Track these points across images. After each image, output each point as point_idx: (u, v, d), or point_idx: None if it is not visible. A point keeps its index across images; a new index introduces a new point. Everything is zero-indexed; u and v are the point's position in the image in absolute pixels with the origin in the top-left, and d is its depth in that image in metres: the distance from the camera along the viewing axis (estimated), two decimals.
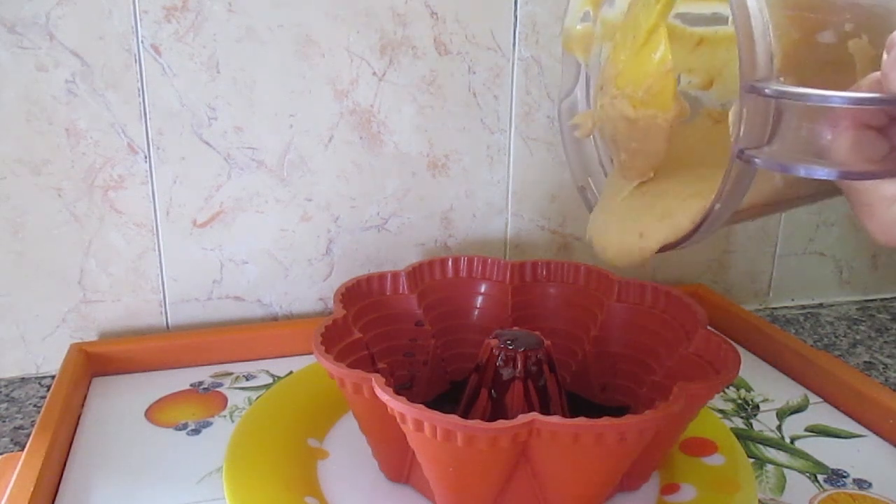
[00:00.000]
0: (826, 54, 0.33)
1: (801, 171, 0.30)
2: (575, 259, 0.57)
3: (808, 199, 0.39)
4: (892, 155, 0.30)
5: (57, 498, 0.43)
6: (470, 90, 0.62)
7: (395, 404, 0.36)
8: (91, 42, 0.53)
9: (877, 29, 0.31)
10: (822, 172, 0.29)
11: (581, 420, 0.40)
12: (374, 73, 0.59)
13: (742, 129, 0.30)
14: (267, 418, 0.48)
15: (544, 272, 0.54)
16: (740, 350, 0.49)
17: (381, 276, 0.51)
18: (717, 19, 0.42)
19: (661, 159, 0.39)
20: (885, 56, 0.29)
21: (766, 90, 0.29)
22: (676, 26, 0.42)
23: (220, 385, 0.55)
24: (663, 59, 0.37)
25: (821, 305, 0.77)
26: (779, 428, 0.52)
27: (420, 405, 0.36)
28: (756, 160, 0.30)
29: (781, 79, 0.30)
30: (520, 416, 0.35)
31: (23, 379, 0.58)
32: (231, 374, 0.57)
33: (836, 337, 0.69)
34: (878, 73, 0.29)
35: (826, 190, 0.35)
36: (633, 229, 0.38)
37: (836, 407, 0.54)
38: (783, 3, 0.31)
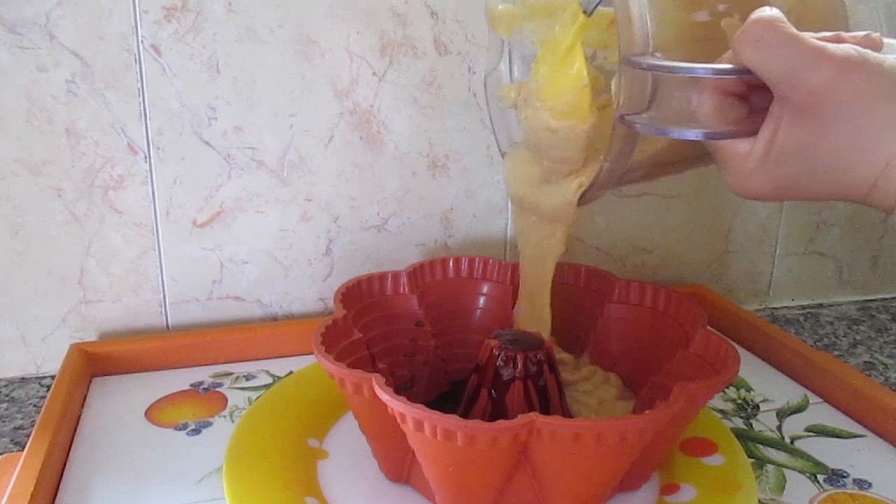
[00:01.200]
0: (701, 31, 0.37)
1: (674, 134, 0.35)
2: (575, 259, 0.57)
3: (686, 163, 0.44)
4: (749, 118, 0.34)
5: (57, 498, 0.43)
6: (470, 90, 0.62)
7: (395, 404, 0.36)
8: (91, 42, 0.53)
9: (748, 8, 0.35)
10: (690, 134, 0.34)
11: (581, 420, 0.40)
12: (374, 73, 0.59)
13: (622, 98, 0.35)
14: (267, 418, 0.48)
15: None
16: (740, 350, 0.49)
17: (382, 276, 0.51)
18: None
19: (581, 163, 0.43)
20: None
21: (642, 64, 0.34)
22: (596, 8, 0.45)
23: (220, 385, 0.55)
24: (579, 75, 0.41)
25: (821, 305, 0.77)
26: (779, 428, 0.52)
27: (420, 405, 0.36)
28: (635, 124, 0.35)
29: (658, 54, 0.35)
30: (520, 416, 0.35)
31: (23, 379, 0.58)
32: (231, 374, 0.57)
33: (836, 337, 0.69)
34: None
35: (701, 154, 0.40)
36: (556, 191, 0.44)
37: (836, 407, 0.54)
38: None
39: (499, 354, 0.43)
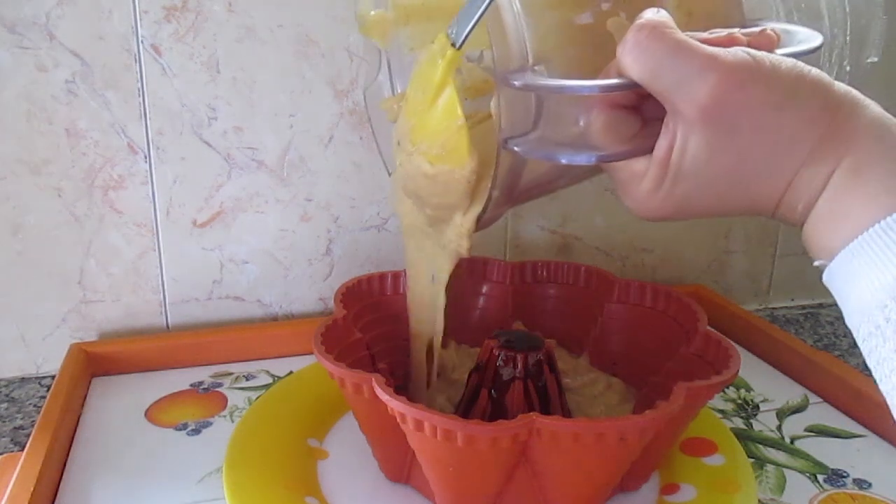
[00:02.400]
0: (585, 35, 0.34)
1: (563, 159, 0.31)
2: (575, 259, 0.57)
3: (582, 176, 0.41)
4: (641, 133, 0.32)
5: (57, 498, 0.43)
6: None
7: (395, 404, 0.36)
8: (91, 42, 0.53)
9: (635, 5, 0.32)
10: (581, 158, 0.31)
11: (581, 420, 0.40)
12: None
13: (503, 121, 0.32)
14: (267, 418, 0.48)
15: (544, 273, 0.54)
16: (740, 350, 0.49)
17: (382, 276, 0.51)
18: None
19: (467, 206, 0.39)
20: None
21: (516, 83, 0.31)
22: None
23: (220, 385, 0.55)
24: (452, 115, 0.36)
25: (821, 305, 0.77)
26: (779, 428, 0.52)
27: (420, 405, 0.36)
28: (518, 149, 0.32)
29: (538, 67, 0.31)
30: (520, 417, 0.35)
31: (23, 379, 0.58)
32: (231, 374, 0.57)
33: (836, 337, 0.69)
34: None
35: (592, 169, 0.37)
36: (456, 221, 0.40)
37: (836, 407, 0.54)
38: None
39: (499, 354, 0.42)
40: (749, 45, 0.30)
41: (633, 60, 0.29)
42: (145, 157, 0.56)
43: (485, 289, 0.54)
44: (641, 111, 0.32)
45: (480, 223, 0.38)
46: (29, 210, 0.55)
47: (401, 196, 0.42)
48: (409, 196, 0.41)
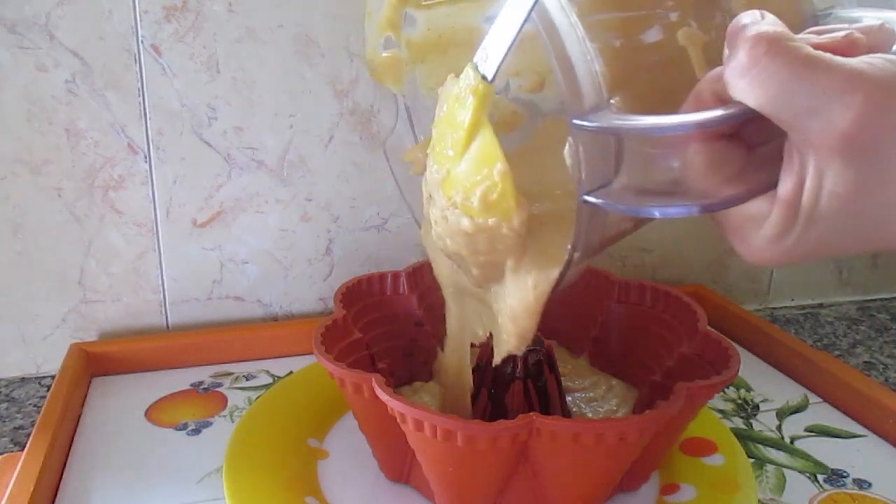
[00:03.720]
0: (657, 54, 0.29)
1: (656, 213, 0.26)
2: None
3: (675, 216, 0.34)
4: (749, 166, 0.26)
5: (57, 498, 0.43)
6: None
7: (395, 404, 0.36)
8: (91, 42, 0.53)
9: (704, 10, 0.28)
10: (678, 210, 0.26)
11: (581, 420, 0.40)
12: None
13: (583, 173, 0.26)
14: (267, 418, 0.48)
15: None
16: (740, 350, 0.49)
17: (382, 276, 0.51)
18: None
19: (521, 260, 0.33)
20: (725, 53, 0.25)
21: (597, 126, 0.25)
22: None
23: (220, 385, 0.55)
24: (492, 160, 0.31)
25: (821, 305, 0.77)
26: (779, 428, 0.52)
27: (420, 405, 0.36)
28: (604, 204, 0.26)
29: (613, 101, 0.26)
30: (520, 417, 0.35)
31: (23, 379, 0.58)
32: (231, 374, 0.57)
33: (836, 337, 0.69)
34: (714, 72, 0.26)
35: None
36: (525, 284, 0.34)
37: (836, 407, 0.54)
38: (596, 6, 0.28)
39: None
40: (869, 47, 0.25)
41: (749, 84, 0.24)
42: (145, 157, 0.56)
43: None
44: (744, 136, 0.26)
45: (558, 287, 0.33)
46: (29, 210, 0.55)
47: (438, 257, 0.38)
48: (450, 257, 0.36)
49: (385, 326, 0.49)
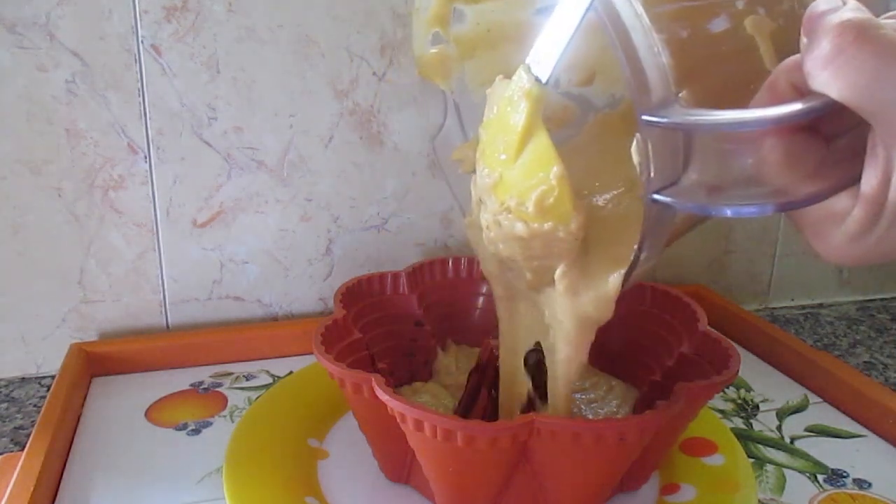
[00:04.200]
0: (724, 43, 0.28)
1: (728, 213, 0.25)
2: None
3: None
4: (832, 160, 0.25)
5: (57, 498, 0.43)
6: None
7: (395, 404, 0.36)
8: (91, 42, 0.53)
9: None
10: (753, 209, 0.25)
11: (581, 420, 0.40)
12: (374, 73, 0.59)
13: (652, 170, 0.25)
14: (267, 418, 0.48)
15: None
16: (740, 350, 0.49)
17: (382, 276, 0.51)
18: None
19: (576, 263, 0.33)
20: (803, 41, 0.24)
21: (668, 122, 0.24)
22: (541, 22, 0.33)
23: (220, 385, 0.55)
24: (547, 164, 0.30)
25: (821, 305, 0.77)
26: (779, 428, 0.52)
27: (420, 405, 0.36)
28: (673, 203, 0.25)
29: (682, 94, 0.25)
30: (520, 417, 0.35)
31: (23, 379, 0.58)
32: (231, 374, 0.57)
33: (836, 337, 0.69)
34: (791, 61, 0.25)
35: None
36: (590, 284, 0.34)
37: (836, 407, 0.54)
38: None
39: (499, 354, 0.42)
40: None
41: (833, 75, 0.23)
42: (145, 157, 0.56)
43: (485, 289, 0.54)
44: (822, 129, 0.25)
45: (627, 285, 0.32)
46: (29, 210, 0.55)
47: (488, 259, 0.37)
48: (504, 262, 0.36)
49: (385, 326, 0.49)
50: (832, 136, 0.25)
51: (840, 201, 0.24)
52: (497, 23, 0.34)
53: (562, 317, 0.34)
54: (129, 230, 0.58)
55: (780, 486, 0.46)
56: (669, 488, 0.44)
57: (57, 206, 0.55)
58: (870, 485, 0.46)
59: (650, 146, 0.25)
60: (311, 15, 0.57)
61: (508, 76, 0.32)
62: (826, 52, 0.23)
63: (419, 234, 0.64)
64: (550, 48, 0.28)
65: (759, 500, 0.43)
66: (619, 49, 0.25)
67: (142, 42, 0.54)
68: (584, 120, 0.39)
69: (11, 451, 0.48)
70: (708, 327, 0.46)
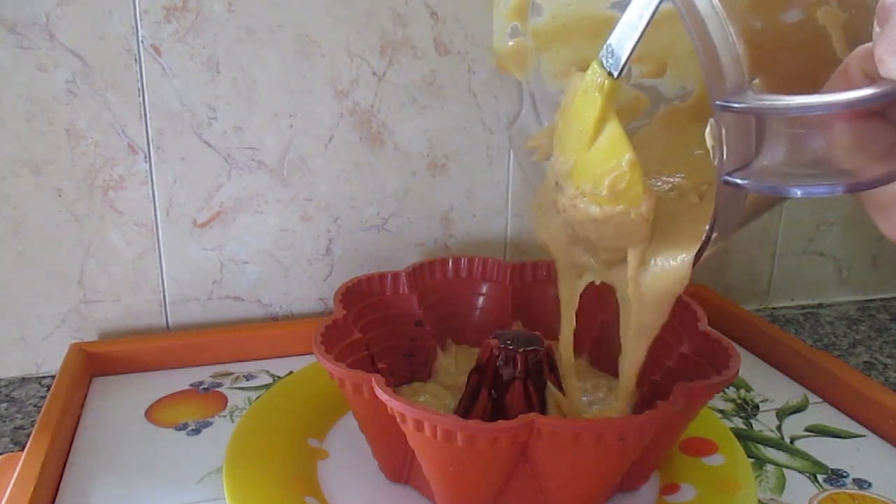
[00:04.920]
0: (797, 34, 0.29)
1: (798, 192, 0.26)
2: None
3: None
4: None
5: (57, 498, 0.43)
6: (470, 90, 0.62)
7: (395, 404, 0.36)
8: (91, 42, 0.53)
9: None
10: (823, 189, 0.26)
11: (581, 420, 0.40)
12: (374, 73, 0.59)
13: (725, 153, 0.27)
14: (267, 418, 0.48)
15: (544, 273, 0.54)
16: (740, 350, 0.49)
17: (382, 276, 0.51)
18: None
19: (647, 242, 0.35)
20: (875, 30, 0.24)
21: (743, 106, 0.26)
22: (615, 17, 0.35)
23: (220, 385, 0.55)
24: (620, 152, 0.33)
25: (821, 305, 0.77)
26: (779, 428, 0.52)
27: (420, 405, 0.36)
28: (745, 184, 0.27)
29: (756, 81, 0.27)
30: (520, 417, 0.35)
31: (23, 379, 0.58)
32: (231, 374, 0.57)
33: (836, 337, 0.69)
34: (863, 49, 0.25)
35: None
36: (664, 263, 0.36)
37: (836, 407, 0.54)
38: None
39: (499, 354, 0.43)
40: None
41: None
42: (145, 157, 0.56)
43: (485, 289, 0.54)
44: (889, 114, 0.26)
45: (698, 264, 0.34)
46: (29, 210, 0.55)
47: (554, 242, 0.40)
48: (579, 243, 0.38)
49: (385, 326, 0.50)
50: None
51: None
52: (573, 16, 0.36)
53: (633, 294, 0.37)
54: (129, 230, 0.58)
55: (780, 486, 0.46)
56: (669, 488, 0.44)
57: (57, 206, 0.56)
58: (870, 485, 0.46)
59: (724, 130, 0.26)
60: (311, 15, 0.57)
61: (583, 68, 0.34)
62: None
63: (419, 234, 0.64)
64: (623, 42, 0.30)
65: (759, 500, 0.43)
66: (695, 37, 0.26)
67: (142, 42, 0.54)
68: (655, 110, 0.41)
69: (11, 451, 0.48)
70: (708, 327, 0.46)
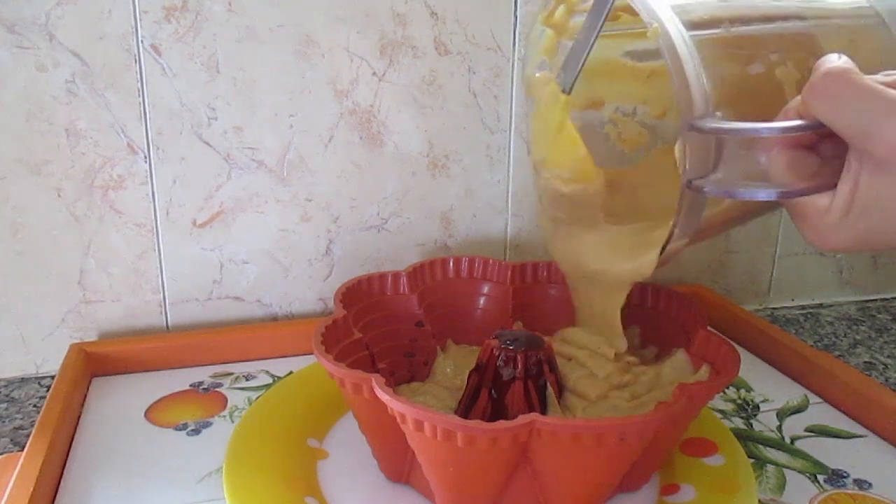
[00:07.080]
0: (757, 83, 0.37)
1: (744, 195, 0.34)
2: None
3: (757, 214, 0.44)
4: (822, 170, 0.33)
5: (57, 498, 0.43)
6: (470, 90, 0.62)
7: (395, 404, 0.36)
8: (91, 42, 0.53)
9: (800, 54, 0.37)
10: (762, 194, 0.33)
11: (581, 420, 0.40)
12: (374, 73, 0.59)
13: (687, 163, 0.35)
14: (267, 418, 0.48)
15: (545, 273, 0.54)
16: (740, 350, 0.49)
17: (382, 276, 0.51)
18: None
19: (601, 215, 0.46)
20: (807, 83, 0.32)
21: (704, 128, 0.34)
22: (627, 63, 0.48)
23: (220, 385, 0.55)
24: (576, 148, 0.44)
25: (821, 305, 0.77)
26: (779, 428, 0.52)
27: (420, 405, 0.36)
28: (703, 188, 0.34)
29: (718, 113, 0.34)
30: (520, 417, 0.35)
31: (23, 379, 0.58)
32: (231, 374, 0.57)
33: (836, 337, 0.69)
34: (801, 97, 0.32)
35: (769, 205, 0.41)
36: (628, 258, 0.45)
37: (836, 407, 0.54)
38: (712, 43, 0.36)
39: (499, 354, 0.43)
40: None
41: (819, 102, 0.31)
42: (145, 157, 0.56)
43: (485, 289, 0.54)
44: (819, 150, 0.34)
45: (662, 257, 0.42)
46: (29, 210, 0.55)
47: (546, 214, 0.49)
48: (552, 210, 0.47)
49: (385, 326, 0.50)
50: (827, 157, 0.34)
51: (825, 199, 0.33)
52: (592, 60, 0.42)
53: (602, 277, 0.46)
54: (128, 230, 0.58)
55: (781, 486, 0.46)
56: (669, 489, 0.44)
57: (57, 206, 0.56)
58: (870, 485, 0.46)
59: (688, 147, 0.34)
60: (311, 15, 0.57)
61: (597, 105, 0.50)
62: (819, 88, 0.31)
63: (419, 234, 0.64)
64: (572, 69, 0.41)
65: (760, 501, 0.43)
66: (673, 73, 0.35)
67: (142, 42, 0.54)
68: (654, 145, 0.50)
69: (11, 451, 0.48)
70: (708, 327, 0.45)
